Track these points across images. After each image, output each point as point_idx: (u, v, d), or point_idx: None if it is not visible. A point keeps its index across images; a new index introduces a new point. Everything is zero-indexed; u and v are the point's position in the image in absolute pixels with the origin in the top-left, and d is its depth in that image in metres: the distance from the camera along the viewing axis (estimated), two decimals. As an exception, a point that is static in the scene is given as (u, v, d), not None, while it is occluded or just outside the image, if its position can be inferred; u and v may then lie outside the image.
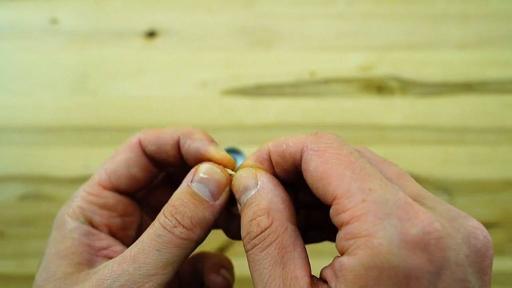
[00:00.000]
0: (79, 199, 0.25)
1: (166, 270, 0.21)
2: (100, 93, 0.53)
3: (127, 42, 0.55)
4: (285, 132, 0.51)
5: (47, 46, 0.55)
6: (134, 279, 0.21)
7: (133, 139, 0.26)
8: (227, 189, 0.24)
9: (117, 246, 0.25)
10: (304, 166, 0.20)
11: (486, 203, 0.48)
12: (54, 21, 0.56)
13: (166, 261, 0.21)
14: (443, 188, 0.49)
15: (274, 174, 0.23)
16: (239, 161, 0.48)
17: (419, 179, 0.49)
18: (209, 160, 0.25)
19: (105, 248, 0.24)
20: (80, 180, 0.50)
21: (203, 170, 0.24)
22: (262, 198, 0.21)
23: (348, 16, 0.56)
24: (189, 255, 0.23)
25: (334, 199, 0.18)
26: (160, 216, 0.23)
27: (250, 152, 0.49)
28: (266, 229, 0.20)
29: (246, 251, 0.20)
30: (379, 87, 0.53)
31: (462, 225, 0.17)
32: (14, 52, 0.55)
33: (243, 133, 0.51)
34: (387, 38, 0.55)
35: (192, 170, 0.24)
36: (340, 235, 0.18)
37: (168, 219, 0.22)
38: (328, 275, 0.18)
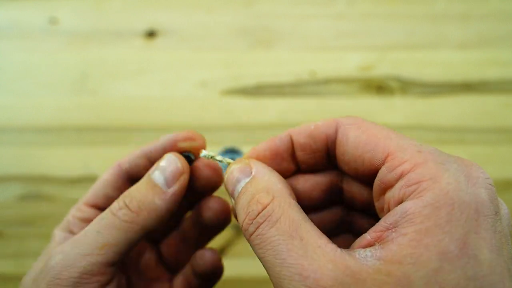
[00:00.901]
0: (69, 215, 0.28)
1: (104, 251, 0.22)
2: (100, 93, 0.53)
3: (127, 42, 0.55)
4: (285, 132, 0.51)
5: (47, 46, 0.55)
6: (68, 257, 0.22)
7: (116, 162, 0.28)
8: (182, 177, 0.24)
9: None
10: (341, 139, 0.20)
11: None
12: (54, 21, 0.56)
13: (104, 241, 0.22)
14: (443, 188, 0.49)
15: (289, 164, 0.23)
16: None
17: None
18: (178, 143, 0.25)
19: None
20: (80, 180, 0.50)
21: (163, 159, 0.24)
22: (258, 181, 0.20)
23: (348, 16, 0.56)
24: (135, 240, 0.23)
25: (387, 157, 0.18)
26: (114, 202, 0.23)
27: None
28: (268, 204, 0.18)
29: (250, 235, 0.19)
30: (379, 87, 0.53)
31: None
32: (14, 52, 0.55)
33: (243, 133, 0.51)
34: (387, 38, 0.55)
35: (158, 161, 0.25)
36: (398, 186, 0.17)
37: (117, 203, 0.23)
38: (375, 234, 0.17)
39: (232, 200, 0.22)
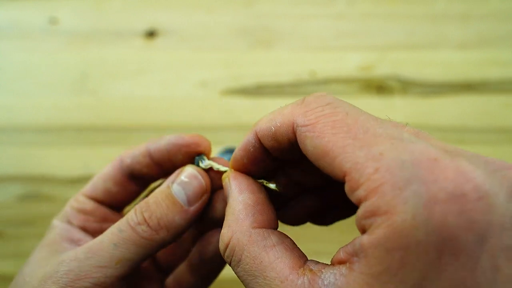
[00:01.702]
0: (67, 205, 0.27)
1: (119, 265, 0.21)
2: (100, 93, 0.53)
3: (127, 42, 0.55)
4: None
5: (47, 46, 0.55)
6: (83, 266, 0.21)
7: (117, 156, 0.27)
8: (205, 197, 0.23)
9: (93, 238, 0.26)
10: (301, 147, 0.18)
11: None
12: (54, 21, 0.56)
13: (120, 256, 0.21)
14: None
15: (269, 158, 0.22)
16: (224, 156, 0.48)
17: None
18: (182, 147, 0.24)
19: (82, 240, 0.25)
20: (80, 180, 0.49)
21: (185, 173, 0.23)
22: (229, 207, 0.20)
23: (348, 16, 0.56)
24: (150, 255, 0.23)
25: (344, 176, 0.15)
26: (130, 212, 0.23)
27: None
28: (227, 244, 0.19)
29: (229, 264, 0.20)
30: (379, 87, 0.53)
31: (506, 178, 0.14)
32: (14, 52, 0.55)
33: (243, 133, 0.51)
34: (387, 38, 0.55)
35: (176, 172, 0.24)
36: (358, 213, 0.15)
37: (136, 215, 0.22)
38: (348, 255, 0.16)
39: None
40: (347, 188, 0.16)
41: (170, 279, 0.29)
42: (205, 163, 0.24)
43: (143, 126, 0.51)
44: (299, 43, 0.55)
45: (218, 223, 0.25)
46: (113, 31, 0.55)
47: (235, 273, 0.19)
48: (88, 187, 0.27)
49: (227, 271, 0.48)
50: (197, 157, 0.24)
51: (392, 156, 0.14)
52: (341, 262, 0.16)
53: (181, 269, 0.28)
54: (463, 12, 0.55)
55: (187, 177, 0.23)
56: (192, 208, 0.23)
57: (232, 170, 0.22)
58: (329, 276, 0.16)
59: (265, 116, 0.20)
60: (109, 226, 0.27)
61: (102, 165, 0.49)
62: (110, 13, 0.56)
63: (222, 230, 0.20)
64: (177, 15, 0.56)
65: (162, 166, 0.26)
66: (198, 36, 0.55)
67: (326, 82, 0.53)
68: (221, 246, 0.19)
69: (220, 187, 0.24)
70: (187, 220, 0.23)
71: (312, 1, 0.57)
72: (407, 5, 0.56)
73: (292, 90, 0.53)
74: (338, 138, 0.16)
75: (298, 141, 0.18)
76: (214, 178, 0.25)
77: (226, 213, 0.20)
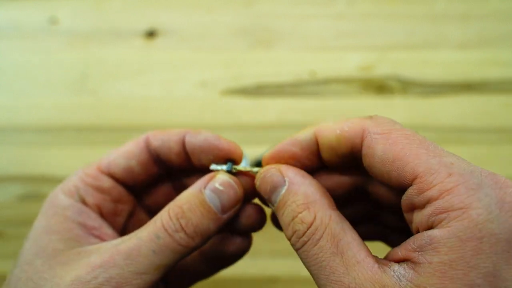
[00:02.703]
0: (76, 178, 0.26)
1: (157, 271, 0.21)
2: (100, 93, 0.53)
3: (127, 42, 0.55)
4: (285, 132, 0.51)
5: (47, 46, 0.55)
6: (124, 274, 0.21)
7: (142, 135, 0.26)
8: (238, 206, 0.23)
9: (107, 229, 0.25)
10: (368, 151, 0.20)
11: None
12: (54, 21, 0.56)
13: (159, 263, 0.21)
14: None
15: (315, 162, 0.22)
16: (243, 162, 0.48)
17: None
18: (217, 150, 0.24)
19: (96, 229, 0.24)
20: (80, 180, 0.50)
21: (219, 180, 0.23)
22: (295, 193, 0.20)
23: (348, 16, 0.56)
24: (182, 259, 0.23)
25: (415, 179, 0.18)
26: (164, 215, 0.22)
27: (252, 152, 0.49)
28: (311, 224, 0.19)
29: (297, 250, 0.20)
30: (379, 87, 0.53)
31: None
32: (14, 52, 0.55)
33: (243, 133, 0.51)
34: (387, 38, 0.55)
35: (207, 177, 0.23)
36: (426, 212, 0.17)
37: (172, 222, 0.22)
38: (405, 252, 0.18)
39: (271, 205, 0.22)
40: (413, 190, 0.18)
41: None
42: (240, 167, 0.24)
43: (143, 126, 0.51)
44: (299, 43, 0.55)
45: (236, 226, 0.26)
46: (113, 31, 0.55)
47: (305, 254, 0.19)
48: (103, 162, 0.26)
49: (228, 271, 0.48)
50: (229, 163, 0.24)
51: (462, 166, 0.17)
52: (403, 259, 0.18)
53: (192, 256, 0.28)
54: (463, 12, 0.55)
55: (222, 185, 0.23)
56: (225, 216, 0.23)
57: (275, 164, 0.23)
58: (398, 268, 0.18)
59: (327, 122, 0.22)
60: (123, 208, 0.26)
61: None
62: (110, 13, 0.56)
63: (302, 214, 0.20)
64: (177, 15, 0.56)
65: (189, 159, 0.25)
66: (198, 36, 0.55)
67: (326, 82, 0.53)
68: (301, 226, 0.20)
69: (248, 194, 0.25)
70: (219, 227, 0.23)
71: (312, 1, 0.57)
72: (407, 5, 0.56)
73: (292, 90, 0.53)
74: (412, 147, 0.18)
75: (365, 146, 0.20)
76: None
77: (291, 198, 0.20)
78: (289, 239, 0.21)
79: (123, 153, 0.26)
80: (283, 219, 0.21)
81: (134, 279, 0.21)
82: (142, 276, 0.21)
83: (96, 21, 0.55)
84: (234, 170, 0.24)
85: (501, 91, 0.52)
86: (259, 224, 0.26)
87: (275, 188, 0.21)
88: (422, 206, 0.18)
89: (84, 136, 0.51)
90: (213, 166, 0.24)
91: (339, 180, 0.24)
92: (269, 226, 0.48)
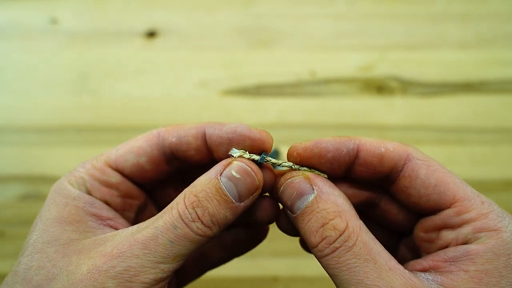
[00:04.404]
0: (82, 170, 0.25)
1: (175, 261, 0.21)
2: (100, 93, 0.53)
3: (127, 42, 0.55)
4: (285, 132, 0.51)
5: (47, 46, 0.55)
6: (142, 263, 0.21)
7: (154, 131, 0.25)
8: (256, 193, 0.23)
9: (121, 219, 0.25)
10: (411, 173, 0.22)
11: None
12: (54, 21, 0.56)
13: (177, 253, 0.21)
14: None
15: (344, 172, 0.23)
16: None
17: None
18: (249, 141, 0.23)
19: (111, 219, 0.24)
20: (80, 180, 0.50)
21: (235, 168, 0.22)
22: (325, 201, 0.21)
23: (348, 16, 0.56)
24: (200, 247, 0.22)
25: (454, 203, 0.21)
26: (180, 204, 0.22)
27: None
28: (344, 231, 0.20)
29: (325, 255, 0.20)
30: (379, 87, 0.53)
31: None
32: (14, 52, 0.55)
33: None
34: (387, 38, 0.55)
35: (223, 162, 0.22)
36: (464, 230, 0.21)
37: (188, 211, 0.21)
38: (432, 262, 0.21)
39: (289, 212, 0.22)
40: (453, 211, 0.21)
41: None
42: (273, 160, 0.23)
43: (143, 126, 0.51)
44: (299, 43, 0.55)
45: (252, 217, 0.25)
46: (113, 31, 0.55)
47: (335, 260, 0.20)
48: (112, 157, 0.25)
49: (228, 271, 0.48)
50: (263, 153, 0.23)
51: (489, 199, 0.22)
52: (428, 268, 0.21)
53: (210, 244, 0.28)
54: (462, 13, 0.55)
55: (239, 173, 0.22)
56: (242, 204, 0.22)
57: (309, 170, 0.23)
58: (425, 275, 0.20)
59: (370, 138, 0.23)
60: (132, 203, 0.26)
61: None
62: (110, 14, 0.56)
63: (333, 221, 0.20)
64: (177, 15, 0.56)
65: (212, 153, 0.24)
66: (198, 36, 0.55)
67: (326, 82, 0.53)
68: (333, 233, 0.20)
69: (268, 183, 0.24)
70: (236, 215, 0.22)
71: (312, 1, 0.57)
72: (407, 5, 0.56)
73: (292, 90, 0.53)
74: (450, 176, 0.22)
75: (409, 169, 0.22)
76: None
77: (321, 206, 0.21)
78: (315, 246, 0.21)
79: (132, 149, 0.25)
80: (309, 225, 0.21)
81: (152, 269, 0.21)
82: (159, 265, 0.21)
83: (96, 22, 0.56)
84: (268, 163, 0.23)
85: (500, 91, 0.52)
86: (273, 217, 0.26)
87: (301, 195, 0.22)
88: (458, 225, 0.21)
89: (84, 136, 0.51)
90: (233, 151, 0.23)
91: (357, 192, 0.25)
92: (269, 226, 0.48)
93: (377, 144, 0.22)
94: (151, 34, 0.55)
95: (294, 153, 0.23)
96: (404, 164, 0.22)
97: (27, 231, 0.49)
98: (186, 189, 0.22)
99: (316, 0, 0.57)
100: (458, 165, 0.50)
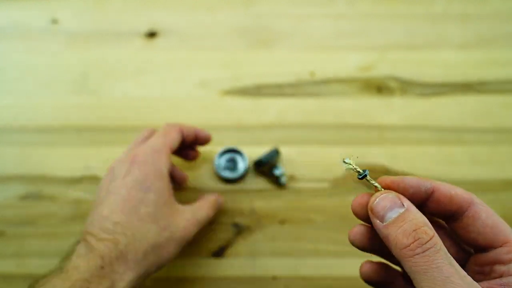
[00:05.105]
0: (166, 151, 0.40)
1: None
2: (101, 93, 0.53)
3: (127, 42, 0.55)
4: (285, 132, 0.51)
5: (48, 46, 0.55)
6: (195, 231, 0.40)
7: (177, 126, 0.42)
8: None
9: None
10: (474, 214, 0.27)
11: (486, 203, 0.48)
12: (54, 21, 0.56)
13: None
14: (443, 188, 0.49)
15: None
16: (239, 162, 0.48)
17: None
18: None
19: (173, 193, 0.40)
20: (81, 180, 0.50)
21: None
22: (414, 214, 0.25)
23: (348, 16, 0.56)
24: None
25: (506, 242, 0.26)
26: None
27: (251, 152, 0.49)
28: (433, 236, 0.24)
29: (416, 254, 0.24)
30: (379, 87, 0.53)
31: None
32: (15, 52, 0.55)
33: (243, 133, 0.51)
34: (387, 38, 0.55)
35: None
36: None
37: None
38: (487, 284, 0.25)
39: (379, 220, 0.26)
40: (505, 249, 0.26)
41: None
42: (372, 181, 0.28)
43: (143, 126, 0.51)
44: (299, 43, 0.55)
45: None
46: (113, 31, 0.55)
47: (426, 258, 0.24)
48: (171, 145, 0.40)
49: (228, 271, 0.48)
50: (367, 171, 0.28)
51: None
52: None
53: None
54: (462, 13, 0.55)
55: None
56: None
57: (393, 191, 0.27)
58: None
59: (443, 182, 0.28)
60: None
61: (103, 165, 0.50)
62: (110, 13, 0.56)
63: (424, 228, 0.24)
64: (177, 15, 0.56)
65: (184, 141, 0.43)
66: (198, 36, 0.55)
67: (326, 82, 0.53)
68: (425, 236, 0.24)
69: None
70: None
71: (312, 1, 0.57)
72: (407, 5, 0.56)
73: (292, 90, 0.53)
74: (502, 221, 0.27)
75: (472, 211, 0.27)
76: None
77: (411, 216, 0.25)
78: (407, 245, 0.24)
79: (175, 139, 0.41)
80: (402, 229, 0.25)
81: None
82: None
83: (96, 22, 0.56)
84: (365, 179, 0.28)
85: (500, 91, 0.52)
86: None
87: (392, 208, 0.26)
88: (509, 261, 0.26)
89: (84, 136, 0.51)
90: (347, 160, 0.28)
91: None
92: (269, 225, 0.48)
93: (449, 187, 0.27)
94: (151, 34, 0.55)
95: (383, 183, 0.28)
96: (469, 206, 0.27)
97: (28, 231, 0.49)
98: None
99: (316, 0, 0.57)
100: (457, 165, 0.50)
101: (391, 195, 0.26)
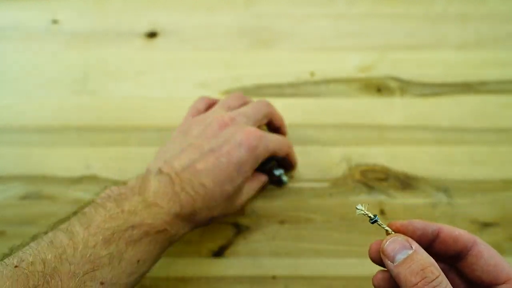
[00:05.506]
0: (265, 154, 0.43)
1: None
2: (101, 93, 0.53)
3: (127, 42, 0.55)
4: (285, 132, 0.51)
5: (48, 47, 0.55)
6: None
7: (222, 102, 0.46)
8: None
9: None
10: (477, 253, 0.29)
11: (486, 203, 0.48)
12: (54, 22, 0.56)
13: None
14: (442, 188, 0.49)
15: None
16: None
17: (418, 179, 0.49)
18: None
19: None
20: (81, 180, 0.50)
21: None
22: (422, 255, 0.27)
23: (348, 16, 0.56)
24: None
25: (508, 280, 0.28)
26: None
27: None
28: (439, 276, 0.26)
29: None
30: (378, 87, 0.53)
31: None
32: (15, 53, 0.55)
33: (243, 133, 0.51)
34: (387, 38, 0.55)
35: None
36: None
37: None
38: None
39: (390, 261, 0.28)
40: (507, 286, 0.28)
41: None
42: (383, 226, 0.31)
43: (143, 126, 0.52)
44: (299, 43, 0.55)
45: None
46: (113, 31, 0.55)
47: None
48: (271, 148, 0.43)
49: (228, 271, 0.48)
50: (377, 216, 0.31)
51: None
52: None
53: None
54: (462, 13, 0.55)
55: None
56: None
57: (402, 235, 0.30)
58: None
59: (447, 225, 0.30)
60: None
61: (103, 165, 0.50)
62: (110, 14, 0.56)
63: (430, 267, 0.27)
64: (177, 15, 0.56)
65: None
66: (198, 36, 0.55)
67: (326, 82, 0.53)
68: (432, 275, 0.26)
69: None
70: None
71: (312, 1, 0.57)
72: (407, 5, 0.56)
73: (292, 91, 0.53)
74: (502, 258, 0.29)
75: (476, 250, 0.29)
76: None
77: (419, 257, 0.27)
78: (415, 284, 0.26)
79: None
80: (411, 268, 0.27)
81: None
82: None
83: (96, 22, 0.56)
84: (376, 223, 0.30)
85: (500, 91, 0.52)
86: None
87: (401, 249, 0.28)
88: None
89: (85, 136, 0.51)
90: (359, 207, 0.30)
91: None
92: (269, 225, 0.48)
93: (453, 229, 0.30)
94: (152, 35, 0.55)
95: (393, 227, 0.30)
96: (472, 246, 0.29)
97: (28, 230, 0.49)
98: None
99: (316, 0, 0.57)
100: (457, 165, 0.50)
101: (400, 237, 0.29)
